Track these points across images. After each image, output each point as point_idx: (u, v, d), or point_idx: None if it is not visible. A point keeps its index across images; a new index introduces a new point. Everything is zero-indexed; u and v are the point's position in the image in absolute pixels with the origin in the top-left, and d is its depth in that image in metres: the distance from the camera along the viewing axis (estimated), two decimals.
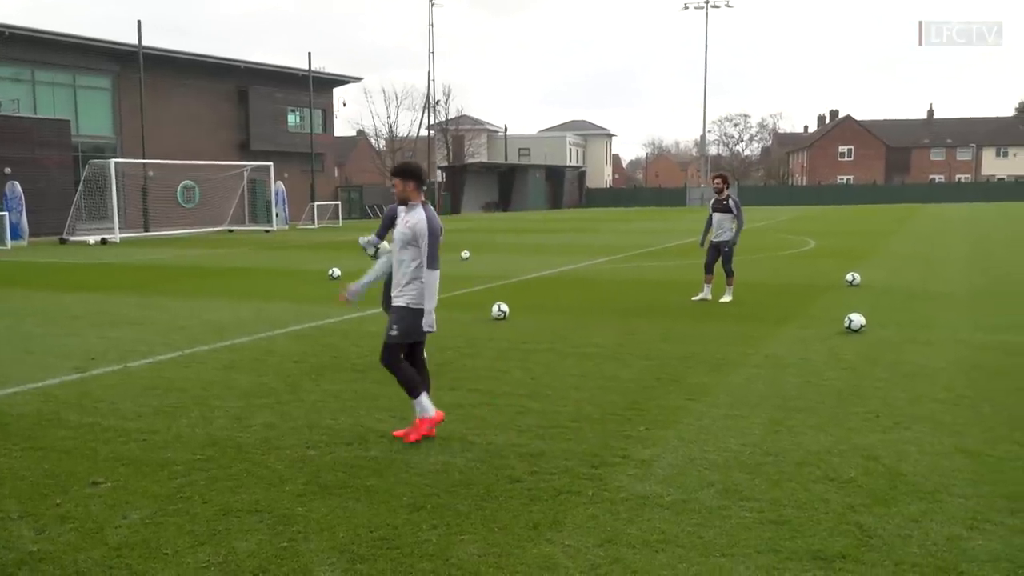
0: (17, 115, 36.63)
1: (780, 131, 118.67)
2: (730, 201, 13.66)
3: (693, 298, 13.85)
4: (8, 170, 33.01)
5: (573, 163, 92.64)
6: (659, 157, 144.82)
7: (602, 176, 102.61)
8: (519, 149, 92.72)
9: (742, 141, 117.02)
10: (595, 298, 14.46)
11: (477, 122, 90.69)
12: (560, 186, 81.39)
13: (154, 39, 46.35)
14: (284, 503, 5.00)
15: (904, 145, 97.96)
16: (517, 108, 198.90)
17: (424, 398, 6.26)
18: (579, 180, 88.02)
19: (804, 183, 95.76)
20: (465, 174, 70.54)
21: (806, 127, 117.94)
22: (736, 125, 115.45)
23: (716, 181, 14.03)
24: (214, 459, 5.82)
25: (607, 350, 9.61)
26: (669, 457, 5.77)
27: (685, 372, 8.45)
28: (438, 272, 6.22)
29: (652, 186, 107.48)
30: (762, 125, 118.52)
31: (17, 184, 31.87)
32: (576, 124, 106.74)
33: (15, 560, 4.27)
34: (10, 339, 10.83)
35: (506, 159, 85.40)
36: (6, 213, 30.71)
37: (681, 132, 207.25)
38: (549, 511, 4.84)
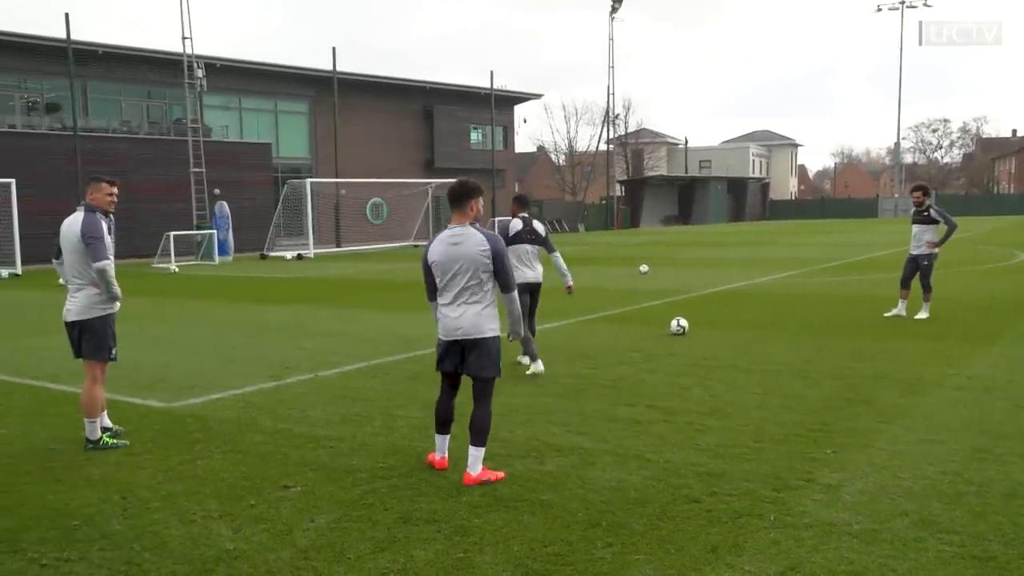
0: (226, 140, 39.55)
1: (984, 136, 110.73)
2: (931, 211, 12.83)
3: (886, 314, 13.09)
4: (217, 191, 35.64)
5: (756, 175, 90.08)
6: (848, 167, 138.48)
7: (787, 187, 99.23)
8: (700, 161, 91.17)
9: (941, 148, 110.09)
10: (779, 313, 13.93)
11: (657, 135, 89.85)
12: (742, 198, 79.32)
13: (346, 64, 48.96)
14: (461, 514, 5.07)
15: None
16: (698, 120, 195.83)
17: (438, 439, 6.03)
18: (762, 192, 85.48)
19: (1012, 191, 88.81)
20: (644, 188, 70.03)
21: (1014, 131, 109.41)
22: (935, 131, 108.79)
23: (915, 195, 13.18)
24: (396, 468, 5.99)
25: (792, 368, 9.22)
26: (859, 483, 5.44)
27: (877, 392, 7.97)
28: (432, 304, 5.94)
29: (841, 197, 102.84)
30: (964, 130, 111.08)
31: (225, 204, 34.34)
32: (759, 135, 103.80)
33: (214, 557, 4.54)
34: (215, 348, 11.62)
35: (686, 172, 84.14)
36: (215, 231, 33.13)
37: (873, 140, 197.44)
38: (728, 534, 4.66)
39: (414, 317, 14.29)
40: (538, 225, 9.70)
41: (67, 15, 33.33)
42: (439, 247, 5.74)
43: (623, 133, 76.56)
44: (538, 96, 61.13)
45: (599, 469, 5.86)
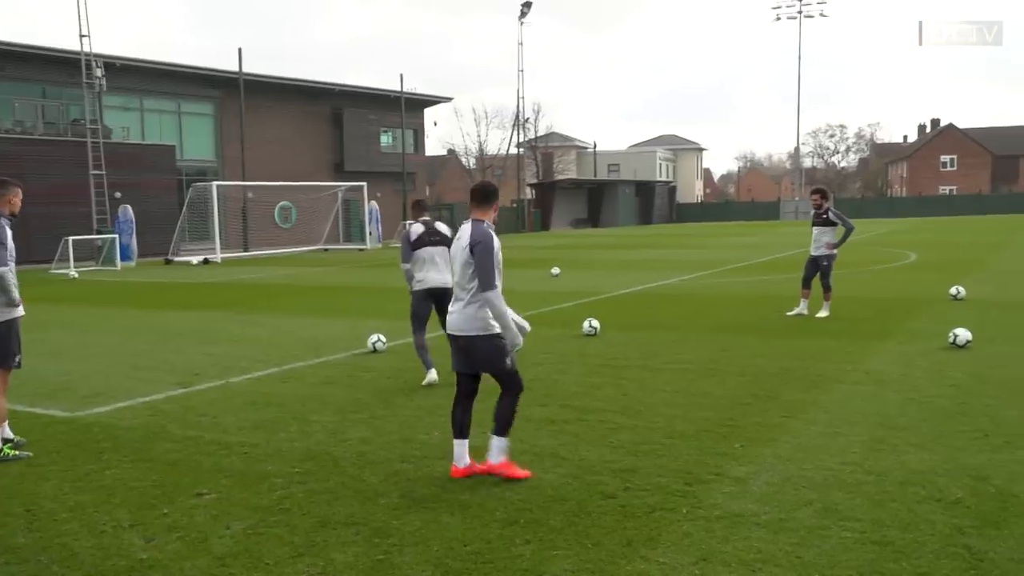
0: (127, 142, 38.33)
1: (878, 141, 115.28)
2: (830, 214, 13.35)
3: (788, 313, 13.56)
4: (119, 194, 34.51)
5: (663, 178, 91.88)
6: (751, 171, 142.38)
7: (693, 191, 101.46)
8: (608, 165, 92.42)
9: (838, 152, 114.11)
10: (687, 314, 14.29)
11: (566, 139, 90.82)
12: (650, 201, 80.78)
13: (254, 66, 48.03)
14: (379, 516, 5.08)
15: (1012, 153, 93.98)
16: (607, 125, 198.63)
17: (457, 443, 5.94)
18: (669, 195, 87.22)
19: (904, 194, 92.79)
20: (555, 191, 70.69)
21: (905, 137, 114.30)
22: (832, 136, 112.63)
23: (814, 197, 13.70)
24: (312, 472, 5.96)
25: (700, 366, 9.49)
26: (765, 475, 5.65)
27: (781, 388, 8.27)
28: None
29: (744, 200, 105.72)
30: (859, 136, 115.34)
31: (129, 208, 33.30)
32: (666, 139, 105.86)
33: (127, 567, 4.45)
34: (120, 355, 11.30)
35: (595, 175, 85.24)
36: (117, 235, 32.11)
37: (774, 145, 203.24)
38: (643, 528, 4.79)
39: (320, 321, 14.17)
40: (441, 226, 9.05)
41: None
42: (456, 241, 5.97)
43: (533, 137, 77.15)
44: (448, 99, 61.17)
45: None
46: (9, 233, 6.48)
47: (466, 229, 5.89)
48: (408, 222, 9.32)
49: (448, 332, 5.94)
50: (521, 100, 64.37)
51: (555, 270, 22.71)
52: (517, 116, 66.30)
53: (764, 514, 4.95)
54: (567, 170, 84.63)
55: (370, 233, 43.58)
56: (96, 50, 34.42)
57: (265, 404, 8.13)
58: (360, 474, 5.90)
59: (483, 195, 6.09)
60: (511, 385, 5.81)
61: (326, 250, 41.31)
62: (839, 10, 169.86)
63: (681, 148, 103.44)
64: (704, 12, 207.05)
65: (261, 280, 24.39)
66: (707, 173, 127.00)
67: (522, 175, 67.75)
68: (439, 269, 8.75)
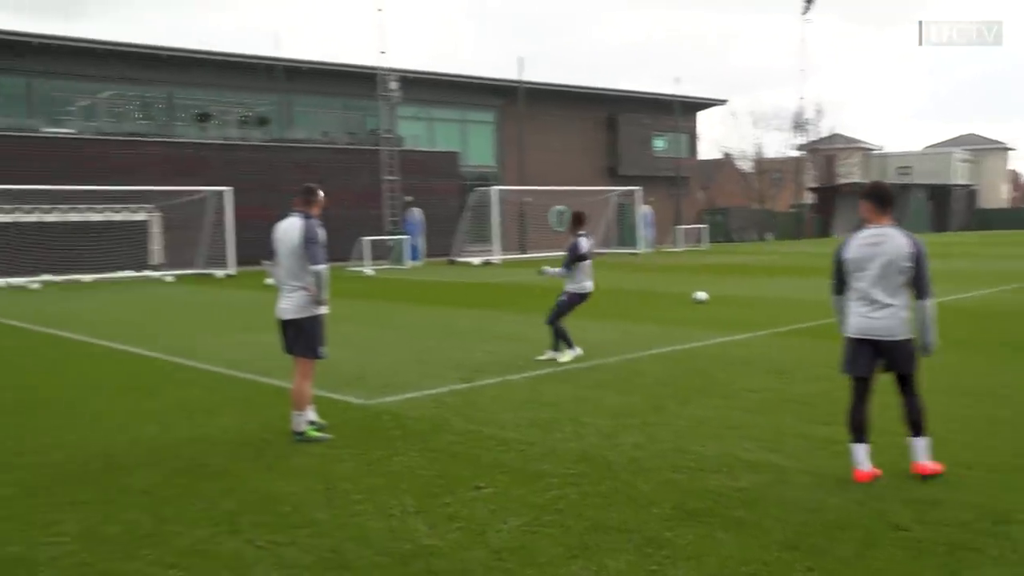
0: (417, 149, 41.10)
1: None
2: None
3: None
4: (410, 198, 37.11)
5: (961, 181, 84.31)
6: None
7: (998, 195, 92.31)
8: (898, 168, 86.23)
9: None
10: (988, 330, 12.93)
11: (851, 140, 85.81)
12: (946, 207, 74.41)
13: (533, 74, 49.72)
14: (652, 526, 5.01)
15: None
16: (897, 124, 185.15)
17: (857, 448, 5.87)
18: (968, 200, 79.88)
19: None
20: (836, 196, 67.03)
21: None
22: None
23: None
24: (586, 475, 6.00)
25: (1003, 390, 8.53)
26: None
27: None
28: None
29: None
30: None
31: (418, 210, 35.73)
32: (965, 139, 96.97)
33: (411, 551, 4.70)
34: (408, 349, 12.07)
35: (884, 179, 79.84)
36: (407, 236, 34.49)
37: None
38: (943, 568, 4.35)
39: (594, 324, 14.29)
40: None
41: (276, 35, 35.66)
42: (855, 245, 5.86)
43: (814, 139, 73.61)
44: (723, 102, 59.85)
45: (796, 489, 5.64)
46: (322, 233, 7.10)
47: (891, 234, 5.77)
48: (582, 233, 11.06)
49: (866, 336, 5.90)
50: (801, 100, 61.69)
51: None
52: (797, 117, 63.65)
53: None
54: (851, 173, 79.94)
55: (643, 237, 43.63)
56: (392, 65, 37.21)
57: (541, 403, 8.33)
58: (633, 480, 5.86)
59: (883, 198, 5.93)
60: (916, 384, 5.96)
61: (600, 253, 41.84)
62: None
63: (983, 148, 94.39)
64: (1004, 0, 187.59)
65: (538, 281, 25.11)
66: (1014, 175, 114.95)
67: (801, 179, 64.88)
68: (590, 276, 11.05)
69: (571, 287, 10.93)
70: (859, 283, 5.86)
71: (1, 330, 15.44)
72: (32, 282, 26.07)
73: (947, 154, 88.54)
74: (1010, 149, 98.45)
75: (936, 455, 6.33)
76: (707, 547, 4.67)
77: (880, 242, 5.76)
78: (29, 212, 28.67)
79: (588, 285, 11.00)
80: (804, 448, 6.58)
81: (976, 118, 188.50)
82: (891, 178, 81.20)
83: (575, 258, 10.88)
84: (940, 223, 73.14)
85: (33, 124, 32.88)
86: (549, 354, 10.75)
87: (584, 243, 10.97)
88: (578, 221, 11.25)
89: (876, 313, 5.84)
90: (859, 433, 5.88)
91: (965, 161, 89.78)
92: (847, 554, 4.55)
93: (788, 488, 5.65)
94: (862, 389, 6.03)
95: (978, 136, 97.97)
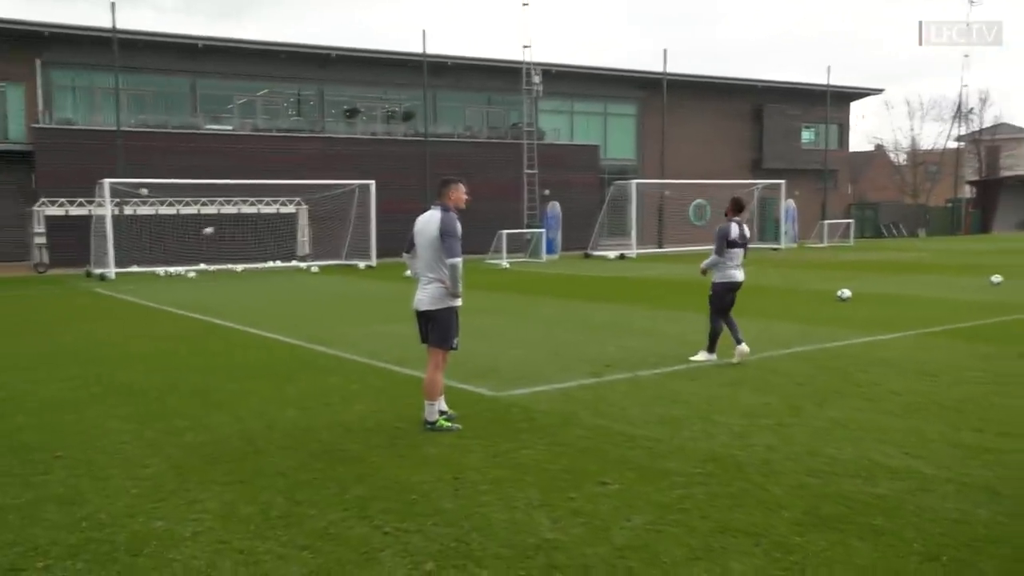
0: (557, 143, 41.21)
1: None
2: None
3: None
4: (547, 192, 37.27)
5: None
6: None
7: None
8: None
9: None
10: None
11: (1019, 130, 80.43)
12: None
13: (676, 65, 48.86)
14: (781, 530, 4.85)
15: None
16: None
17: None
18: None
19: None
20: (1000, 189, 62.99)
21: None
22: None
23: None
24: (714, 475, 5.88)
25: None
26: None
27: None
28: None
29: None
30: None
31: (557, 204, 35.86)
32: None
33: (534, 544, 4.72)
34: (541, 342, 12.13)
35: None
36: (544, 230, 34.65)
37: None
38: None
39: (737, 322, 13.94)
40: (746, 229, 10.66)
41: (424, 32, 36.54)
42: None
43: (977, 129, 69.39)
44: (879, 91, 57.13)
45: (939, 498, 5.34)
46: (459, 226, 7.20)
47: None
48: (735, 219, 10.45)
49: None
50: (964, 88, 58.26)
51: (996, 278, 20.22)
52: (958, 106, 60.21)
53: None
54: (1017, 165, 74.90)
55: (785, 232, 42.31)
56: (535, 59, 37.42)
57: (672, 400, 8.21)
58: (764, 482, 5.70)
59: None
60: None
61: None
62: None
63: None
64: None
65: (674, 276, 24.78)
66: None
67: (961, 172, 61.36)
68: (740, 266, 10.57)
69: (717, 277, 10.48)
70: None
71: (160, 316, 16.45)
72: (189, 271, 27.66)
73: None
74: None
75: None
76: (839, 554, 4.50)
77: None
78: (190, 204, 30.43)
79: (736, 275, 10.45)
80: (951, 456, 6.23)
81: None
82: None
83: (725, 243, 10.31)
84: None
85: (196, 122, 34.86)
86: (740, 351, 10.16)
87: (735, 228, 10.37)
88: (737, 207, 10.56)
89: None
90: None
91: None
92: (992, 570, 4.28)
93: (931, 497, 5.36)
94: None
95: None
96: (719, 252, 10.39)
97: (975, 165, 69.59)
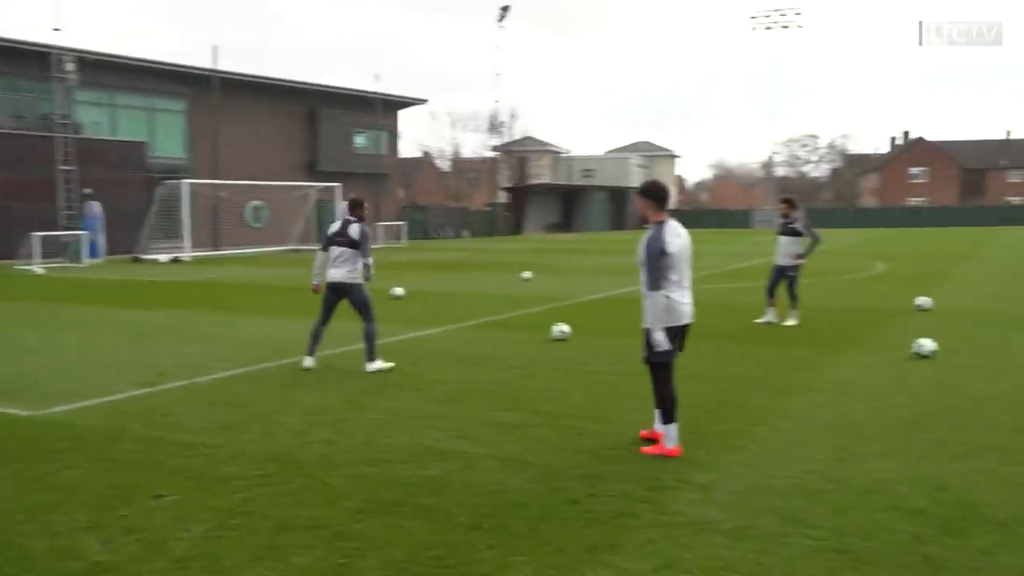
0: (98, 138, 37.88)
1: (850, 152, 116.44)
2: (797, 224, 13.45)
3: (756, 321, 13.64)
4: (88, 190, 34.12)
5: (637, 184, 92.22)
6: (724, 178, 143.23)
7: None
8: (582, 171, 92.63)
9: (810, 162, 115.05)
10: None
11: (541, 144, 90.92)
12: (623, 207, 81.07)
13: (228, 64, 47.54)
14: (342, 520, 5.04)
15: (981, 167, 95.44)
16: (582, 129, 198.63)
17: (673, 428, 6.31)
18: None
19: (874, 205, 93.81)
20: (528, 195, 70.76)
21: (876, 148, 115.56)
22: (804, 146, 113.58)
23: (782, 206, 13.84)
24: (275, 474, 5.90)
25: None
26: (729, 482, 5.67)
27: (747, 396, 8.31)
28: (660, 293, 6.12)
29: (716, 208, 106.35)
30: (831, 146, 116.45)
31: (98, 204, 32.93)
32: (640, 146, 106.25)
33: (82, 570, 4.37)
34: (83, 354, 11.15)
35: (570, 180, 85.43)
36: (85, 232, 31.72)
37: (747, 153, 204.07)
38: (606, 534, 4.79)
39: (288, 322, 14.04)
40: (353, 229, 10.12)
41: None
42: (675, 239, 6.17)
43: (508, 141, 77.19)
44: (423, 101, 60.97)
45: (481, 473, 5.92)
46: None
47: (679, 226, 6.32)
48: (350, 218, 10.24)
49: (688, 321, 6.41)
50: (497, 104, 64.45)
51: (526, 274, 22.72)
52: (492, 120, 66.41)
53: (727, 521, 4.97)
54: (541, 175, 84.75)
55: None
56: (69, 44, 34.05)
57: (230, 404, 8.05)
58: (324, 476, 5.85)
59: (661, 196, 6.36)
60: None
61: (297, 250, 41.05)
62: (815, 21, 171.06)
63: (655, 155, 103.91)
64: (680, 20, 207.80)
65: (231, 279, 24.18)
66: (680, 180, 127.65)
67: (496, 179, 67.76)
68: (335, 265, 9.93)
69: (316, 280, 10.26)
70: (678, 274, 6.22)
71: None
72: None
73: (625, 159, 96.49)
74: (676, 156, 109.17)
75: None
76: (395, 536, 4.79)
77: (683, 233, 6.27)
78: None
79: (332, 273, 9.96)
80: (489, 434, 6.92)
81: (649, 126, 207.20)
82: (576, 180, 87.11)
83: (328, 241, 10.03)
84: (618, 222, 79.56)
85: None
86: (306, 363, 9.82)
87: (336, 226, 10.20)
88: (355, 206, 10.41)
89: (688, 298, 6.34)
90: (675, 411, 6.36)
91: (640, 166, 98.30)
92: (522, 530, 4.86)
93: (474, 473, 5.92)
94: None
95: (650, 144, 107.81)
96: (325, 249, 10.08)
97: (508, 173, 77.38)
